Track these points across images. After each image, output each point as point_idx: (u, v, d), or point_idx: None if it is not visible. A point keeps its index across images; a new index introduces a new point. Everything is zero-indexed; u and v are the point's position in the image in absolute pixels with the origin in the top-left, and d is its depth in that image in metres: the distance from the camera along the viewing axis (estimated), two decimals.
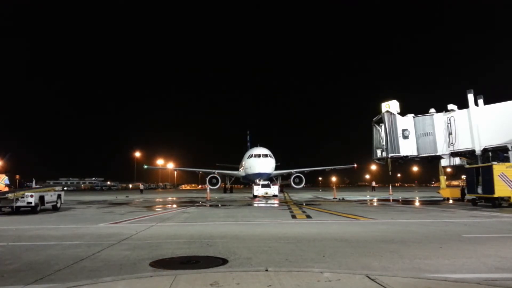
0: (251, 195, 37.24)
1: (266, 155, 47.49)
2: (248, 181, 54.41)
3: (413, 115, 26.33)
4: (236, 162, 64.55)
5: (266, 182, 37.75)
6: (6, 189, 17.88)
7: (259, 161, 47.10)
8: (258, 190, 35.35)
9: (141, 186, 70.53)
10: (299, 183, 52.15)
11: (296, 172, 53.48)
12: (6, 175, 18.69)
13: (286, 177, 57.77)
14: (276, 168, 51.65)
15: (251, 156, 49.17)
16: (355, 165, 62.54)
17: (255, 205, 24.27)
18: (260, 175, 44.82)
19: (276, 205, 23.02)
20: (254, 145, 55.85)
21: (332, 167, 63.33)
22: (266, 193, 34.81)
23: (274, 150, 50.54)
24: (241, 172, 56.08)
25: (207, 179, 52.14)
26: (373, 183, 67.36)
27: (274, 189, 35.25)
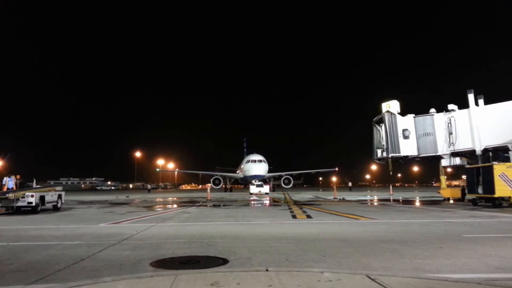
0: (249, 194, 44.85)
1: (260, 161, 57.41)
2: (246, 182, 64.20)
3: (413, 115, 26.31)
4: (233, 163, 75.80)
5: (260, 183, 47.36)
6: (5, 188, 18.06)
7: (255, 166, 56.73)
8: (253, 189, 45.12)
9: (149, 186, 78.03)
10: (288, 184, 62.22)
11: (286, 174, 63.44)
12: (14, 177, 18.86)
13: (277, 178, 67.34)
14: (270, 171, 61.35)
15: (248, 161, 58.99)
16: (337, 169, 72.11)
17: (255, 205, 24.28)
18: (255, 177, 54.73)
19: (276, 205, 23.02)
20: (250, 151, 67.55)
21: (316, 170, 72.07)
22: (260, 192, 44.09)
23: (268, 154, 61.26)
24: (239, 174, 65.15)
25: (211, 180, 61.92)
26: (350, 184, 72.76)
27: (266, 188, 45.44)
